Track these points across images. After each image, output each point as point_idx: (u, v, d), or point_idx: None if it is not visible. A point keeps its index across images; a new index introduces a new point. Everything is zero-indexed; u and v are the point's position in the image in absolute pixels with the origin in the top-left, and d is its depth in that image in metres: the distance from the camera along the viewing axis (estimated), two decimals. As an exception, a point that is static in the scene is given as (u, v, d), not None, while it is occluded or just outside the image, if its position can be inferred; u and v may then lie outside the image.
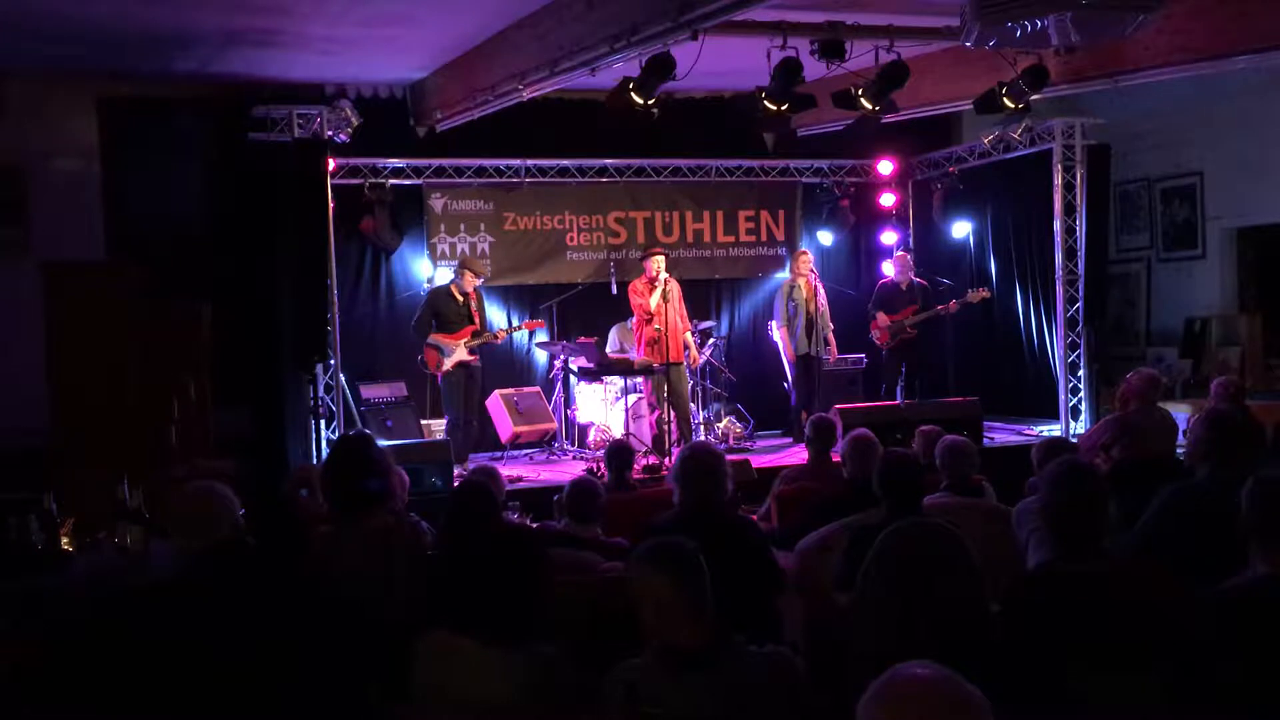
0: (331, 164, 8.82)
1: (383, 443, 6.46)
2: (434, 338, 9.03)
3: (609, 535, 4.81)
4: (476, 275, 9.23)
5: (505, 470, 8.62)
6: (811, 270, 10.11)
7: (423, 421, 9.54)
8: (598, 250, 10.66)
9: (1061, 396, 10.09)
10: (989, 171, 10.83)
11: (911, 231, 11.83)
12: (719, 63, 7.31)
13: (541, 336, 10.32)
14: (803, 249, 10.72)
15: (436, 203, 10.21)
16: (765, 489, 6.36)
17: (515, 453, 9.74)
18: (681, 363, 9.47)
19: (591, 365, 9.56)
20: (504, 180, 10.31)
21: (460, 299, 9.11)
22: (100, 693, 3.17)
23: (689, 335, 9.72)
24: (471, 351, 9.11)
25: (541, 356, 10.49)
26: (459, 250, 10.16)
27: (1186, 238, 11.04)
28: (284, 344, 8.44)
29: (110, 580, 4.39)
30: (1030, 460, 5.22)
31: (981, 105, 8.13)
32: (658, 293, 9.20)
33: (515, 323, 10.20)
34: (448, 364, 9.00)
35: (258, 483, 6.81)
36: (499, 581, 3.04)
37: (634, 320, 9.68)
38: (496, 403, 9.79)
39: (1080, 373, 10.10)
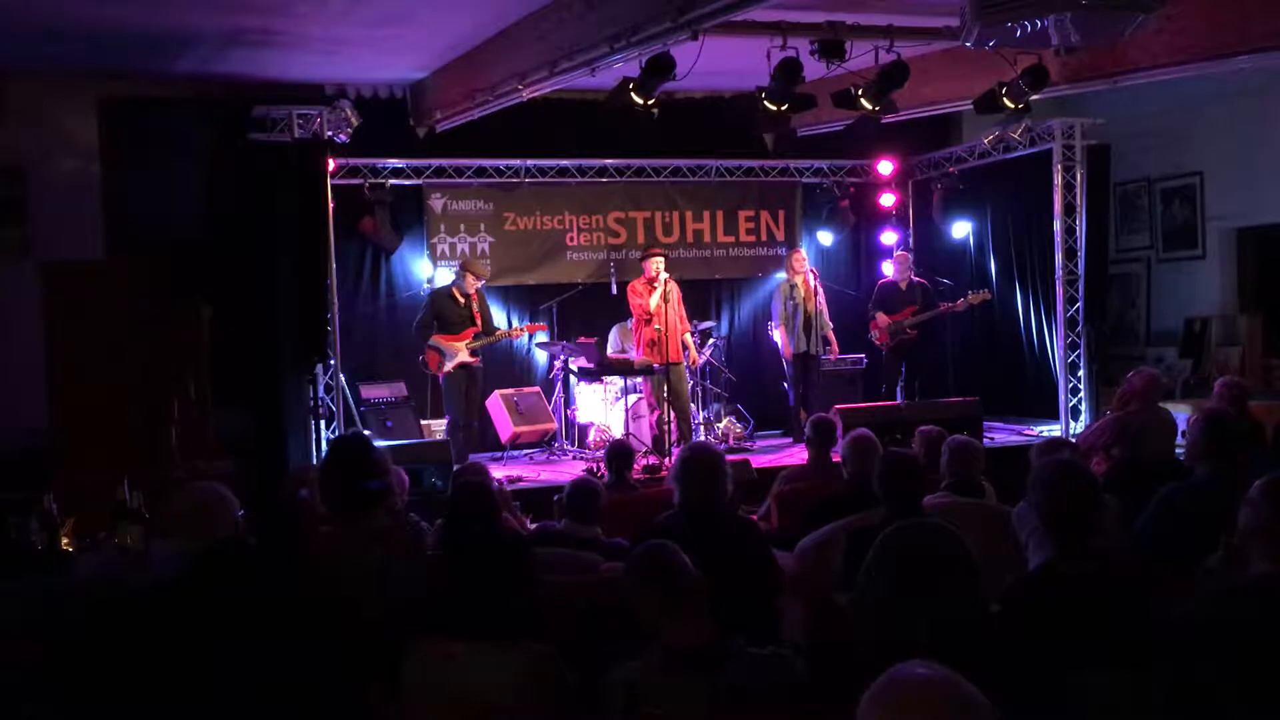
0: (331, 164, 8.80)
1: (382, 443, 6.49)
2: (435, 340, 9.04)
3: (609, 535, 4.80)
4: (478, 277, 9.24)
5: (505, 470, 8.69)
6: (811, 270, 10.12)
7: (423, 421, 9.55)
8: (598, 250, 10.66)
9: (1061, 396, 10.08)
10: (989, 171, 10.82)
11: (911, 231, 11.83)
12: (719, 63, 7.30)
13: (541, 337, 10.31)
14: (797, 248, 10.73)
15: (436, 203, 10.21)
16: (765, 489, 6.36)
17: (515, 453, 9.73)
18: (681, 363, 9.47)
19: (591, 365, 9.56)
20: (504, 180, 10.31)
21: (462, 300, 9.11)
22: (100, 693, 3.17)
23: (688, 336, 9.72)
24: (473, 353, 9.11)
25: (541, 356, 10.49)
26: (459, 250, 10.16)
27: (1186, 238, 11.03)
28: (284, 344, 8.42)
29: (110, 580, 4.39)
30: (1029, 460, 5.20)
31: (981, 105, 8.13)
32: (657, 293, 9.20)
33: (516, 324, 10.21)
34: (449, 365, 9.01)
35: (258, 483, 6.81)
36: (489, 583, 3.04)
37: (634, 320, 9.68)
38: (496, 403, 9.79)
39: (1080, 373, 10.10)
